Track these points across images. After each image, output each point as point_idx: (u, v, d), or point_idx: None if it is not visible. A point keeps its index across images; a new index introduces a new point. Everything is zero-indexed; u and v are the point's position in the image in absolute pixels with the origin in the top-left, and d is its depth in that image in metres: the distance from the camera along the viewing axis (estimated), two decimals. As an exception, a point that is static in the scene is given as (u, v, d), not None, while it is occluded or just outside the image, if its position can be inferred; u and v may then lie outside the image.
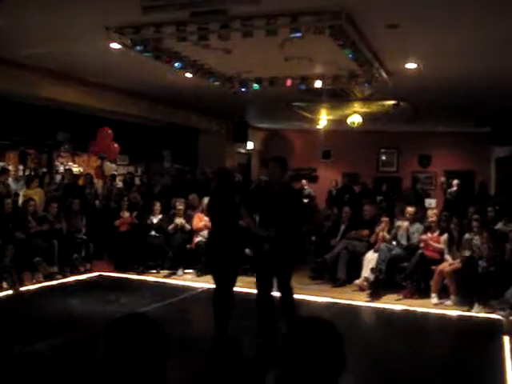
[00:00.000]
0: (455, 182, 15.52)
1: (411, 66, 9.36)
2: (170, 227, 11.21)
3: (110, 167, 14.11)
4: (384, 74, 9.50)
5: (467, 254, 8.94)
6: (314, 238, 12.66)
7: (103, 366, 1.85)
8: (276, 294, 6.43)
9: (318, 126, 17.73)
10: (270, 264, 6.28)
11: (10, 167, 13.15)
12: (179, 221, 11.26)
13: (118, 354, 1.84)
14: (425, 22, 7.13)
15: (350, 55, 8.01)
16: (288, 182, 8.14)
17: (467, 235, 9.20)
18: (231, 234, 6.66)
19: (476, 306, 8.33)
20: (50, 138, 13.74)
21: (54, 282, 9.69)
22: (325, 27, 6.75)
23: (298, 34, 6.89)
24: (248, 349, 6.88)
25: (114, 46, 8.19)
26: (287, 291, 6.39)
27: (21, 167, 13.93)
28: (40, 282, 9.51)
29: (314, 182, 19.61)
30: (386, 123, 16.56)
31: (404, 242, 9.88)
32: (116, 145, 13.06)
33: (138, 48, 7.94)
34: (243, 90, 10.90)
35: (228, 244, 6.61)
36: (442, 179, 17.51)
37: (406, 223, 10.04)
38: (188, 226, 11.26)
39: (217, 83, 10.55)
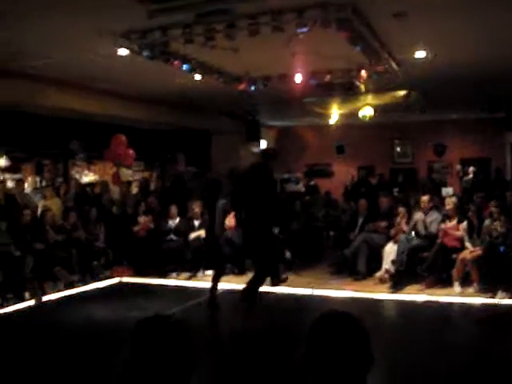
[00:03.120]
0: (471, 169, 15.42)
1: (421, 54, 9.28)
2: (190, 239, 11.23)
3: (126, 173, 14.16)
4: (394, 65, 9.45)
5: (488, 240, 8.85)
6: (332, 232, 12.66)
7: (128, 369, 1.83)
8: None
9: (330, 121, 17.65)
10: None
11: (29, 179, 13.25)
12: (199, 233, 11.27)
13: (144, 356, 1.82)
14: (432, 9, 7.05)
15: (358, 47, 7.96)
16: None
17: (487, 221, 9.12)
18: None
19: (500, 293, 8.24)
20: (64, 147, 13.80)
21: (75, 291, 9.72)
22: (331, 20, 6.72)
23: (305, 30, 6.86)
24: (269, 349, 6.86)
25: (122, 51, 8.21)
26: None
27: (38, 178, 14.00)
28: (61, 291, 9.54)
29: (329, 177, 19.56)
30: (399, 114, 16.45)
31: (422, 231, 9.81)
32: (131, 151, 13.10)
33: (146, 53, 7.96)
34: (252, 88, 10.90)
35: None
36: (458, 167, 17.39)
37: (420, 213, 9.96)
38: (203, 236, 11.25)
39: (226, 83, 10.55)
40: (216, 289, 8.35)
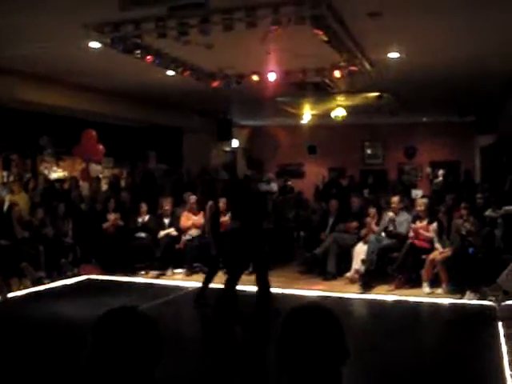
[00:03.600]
0: (440, 172, 15.58)
1: (394, 55, 9.32)
2: (160, 236, 11.14)
3: (95, 169, 13.98)
4: (367, 65, 9.46)
5: (457, 241, 8.92)
6: (302, 232, 12.64)
7: (92, 359, 1.76)
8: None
9: (303, 121, 17.68)
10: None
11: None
12: (168, 230, 11.21)
13: (106, 348, 1.75)
14: (406, 10, 7.08)
15: (332, 46, 7.94)
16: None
17: (456, 223, 9.18)
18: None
19: (468, 293, 8.29)
20: (33, 142, 13.57)
21: (42, 287, 9.54)
22: (305, 17, 6.69)
23: (279, 26, 6.82)
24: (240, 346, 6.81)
25: (94, 44, 8.08)
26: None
27: (5, 173, 13.74)
28: (27, 288, 9.36)
29: (300, 177, 19.58)
30: (370, 116, 16.54)
31: (393, 231, 9.83)
32: (101, 146, 12.93)
33: (118, 46, 7.84)
34: (226, 86, 10.83)
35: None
36: (428, 170, 17.56)
37: (390, 213, 9.99)
38: (175, 233, 11.16)
39: (199, 80, 10.47)
40: (207, 287, 8.28)
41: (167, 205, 11.44)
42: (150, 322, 1.85)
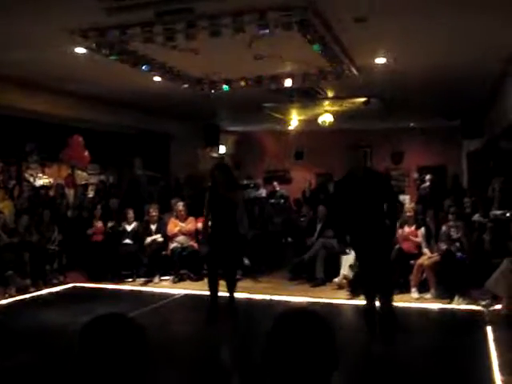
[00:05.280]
0: (428, 177, 15.60)
1: (380, 60, 9.34)
2: (146, 243, 11.05)
3: (81, 176, 13.88)
4: (354, 70, 9.47)
5: (445, 246, 8.91)
6: (290, 238, 12.61)
7: (78, 369, 1.71)
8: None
9: (290, 127, 17.67)
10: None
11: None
12: (155, 237, 11.13)
13: (94, 355, 1.70)
14: (393, 16, 7.09)
15: (319, 51, 7.94)
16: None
17: (444, 228, 9.18)
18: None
19: (456, 298, 8.29)
20: (17, 149, 13.44)
21: (27, 296, 9.43)
22: (292, 22, 6.67)
23: (266, 31, 6.81)
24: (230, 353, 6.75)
25: (79, 50, 8.03)
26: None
27: (-11, 180, 13.61)
28: (12, 296, 9.24)
29: (287, 183, 19.55)
30: (358, 121, 16.56)
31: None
32: (87, 153, 12.84)
33: (104, 51, 7.79)
34: (213, 91, 10.80)
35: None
36: (415, 175, 17.59)
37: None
38: (161, 239, 11.09)
39: (185, 86, 10.43)
40: (216, 299, 7.59)
41: (153, 211, 11.36)
42: (137, 328, 1.81)
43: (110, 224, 11.48)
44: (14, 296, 9.27)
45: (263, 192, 16.97)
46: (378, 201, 6.38)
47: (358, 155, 6.77)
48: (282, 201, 15.16)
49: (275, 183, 17.55)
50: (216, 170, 7.64)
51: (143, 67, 8.83)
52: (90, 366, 1.69)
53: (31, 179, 14.12)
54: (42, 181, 14.48)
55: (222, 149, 18.79)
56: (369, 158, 18.73)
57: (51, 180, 14.72)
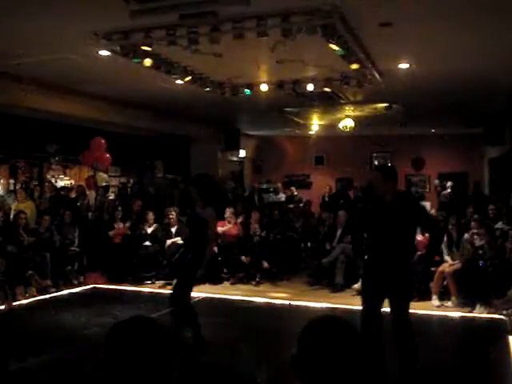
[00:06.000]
0: (449, 184, 15.48)
1: (404, 66, 9.28)
2: (167, 245, 11.08)
3: (102, 178, 13.95)
4: (376, 75, 9.41)
5: (467, 254, 8.82)
6: (309, 243, 12.58)
7: (106, 370, 1.70)
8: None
9: (310, 132, 17.66)
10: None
11: (2, 181, 13.00)
12: (175, 239, 11.15)
13: (121, 359, 1.69)
14: (418, 21, 7.05)
15: (343, 56, 7.90)
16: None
17: (466, 235, 9.09)
18: None
19: (478, 307, 8.19)
20: (40, 150, 13.58)
21: (48, 296, 9.50)
22: (317, 26, 6.65)
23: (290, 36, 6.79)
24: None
25: (103, 52, 8.07)
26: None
27: (12, 181, 13.75)
28: (33, 296, 9.31)
29: (307, 188, 19.53)
30: (378, 127, 16.49)
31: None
32: (108, 155, 12.92)
33: (127, 54, 7.82)
34: (234, 95, 10.82)
35: None
36: (436, 182, 17.47)
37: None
38: (180, 242, 11.10)
39: (207, 89, 10.44)
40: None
41: (172, 214, 11.39)
42: (164, 331, 1.80)
43: (127, 224, 11.52)
44: (35, 296, 9.34)
45: (283, 196, 16.96)
46: (405, 233, 5.25)
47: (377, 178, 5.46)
48: (301, 205, 15.09)
49: (292, 188, 17.55)
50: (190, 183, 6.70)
51: (165, 70, 8.84)
52: (118, 368, 1.69)
53: (53, 180, 14.24)
54: (63, 182, 14.62)
55: (242, 153, 18.81)
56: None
57: (72, 181, 14.86)
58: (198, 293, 9.77)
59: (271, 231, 11.65)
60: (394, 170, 5.53)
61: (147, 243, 11.22)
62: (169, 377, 1.74)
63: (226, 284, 10.73)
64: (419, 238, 9.37)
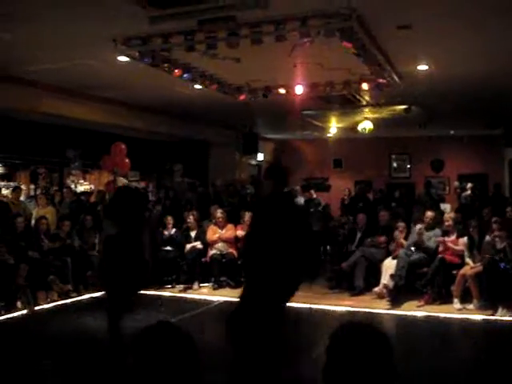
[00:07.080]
0: (469, 185, 15.35)
1: (423, 68, 9.23)
2: (186, 250, 11.12)
3: (123, 182, 14.02)
4: (395, 77, 9.37)
5: (488, 256, 8.74)
6: (329, 247, 12.53)
7: (135, 376, 1.71)
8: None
9: (329, 135, 17.61)
10: None
11: (23, 186, 13.13)
12: (194, 244, 11.21)
13: (151, 363, 1.71)
14: (436, 23, 7.00)
15: (361, 58, 7.88)
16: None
17: (488, 237, 9.02)
18: None
19: (500, 310, 8.13)
20: (60, 156, 13.69)
21: (69, 300, 9.57)
22: (335, 30, 6.63)
23: (308, 39, 6.78)
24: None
25: (122, 58, 8.11)
26: None
27: (32, 186, 13.90)
28: (54, 301, 9.38)
29: (326, 191, 19.46)
30: (397, 129, 16.42)
31: (425, 244, 9.66)
32: (127, 160, 12.98)
33: (146, 60, 7.86)
34: (252, 100, 10.82)
35: None
36: (456, 183, 17.34)
37: (418, 227, 9.85)
38: (200, 246, 11.13)
39: (226, 93, 10.47)
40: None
41: (191, 218, 11.42)
42: (188, 337, 1.81)
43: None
44: (56, 301, 9.41)
45: (301, 200, 16.89)
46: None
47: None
48: (320, 208, 15.04)
49: (312, 191, 17.47)
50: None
51: (184, 76, 8.87)
52: (146, 375, 1.70)
53: (72, 185, 14.36)
54: (83, 187, 14.73)
55: (261, 156, 18.81)
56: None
57: (92, 186, 14.96)
58: (218, 297, 9.82)
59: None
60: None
61: (167, 247, 11.25)
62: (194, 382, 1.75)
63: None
64: (440, 238, 9.34)
